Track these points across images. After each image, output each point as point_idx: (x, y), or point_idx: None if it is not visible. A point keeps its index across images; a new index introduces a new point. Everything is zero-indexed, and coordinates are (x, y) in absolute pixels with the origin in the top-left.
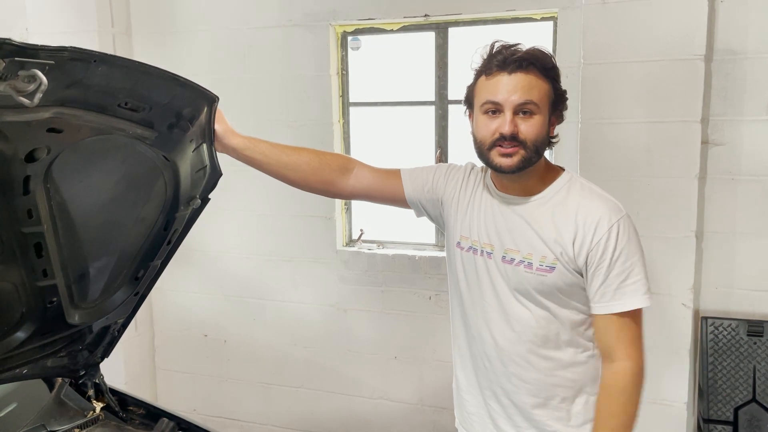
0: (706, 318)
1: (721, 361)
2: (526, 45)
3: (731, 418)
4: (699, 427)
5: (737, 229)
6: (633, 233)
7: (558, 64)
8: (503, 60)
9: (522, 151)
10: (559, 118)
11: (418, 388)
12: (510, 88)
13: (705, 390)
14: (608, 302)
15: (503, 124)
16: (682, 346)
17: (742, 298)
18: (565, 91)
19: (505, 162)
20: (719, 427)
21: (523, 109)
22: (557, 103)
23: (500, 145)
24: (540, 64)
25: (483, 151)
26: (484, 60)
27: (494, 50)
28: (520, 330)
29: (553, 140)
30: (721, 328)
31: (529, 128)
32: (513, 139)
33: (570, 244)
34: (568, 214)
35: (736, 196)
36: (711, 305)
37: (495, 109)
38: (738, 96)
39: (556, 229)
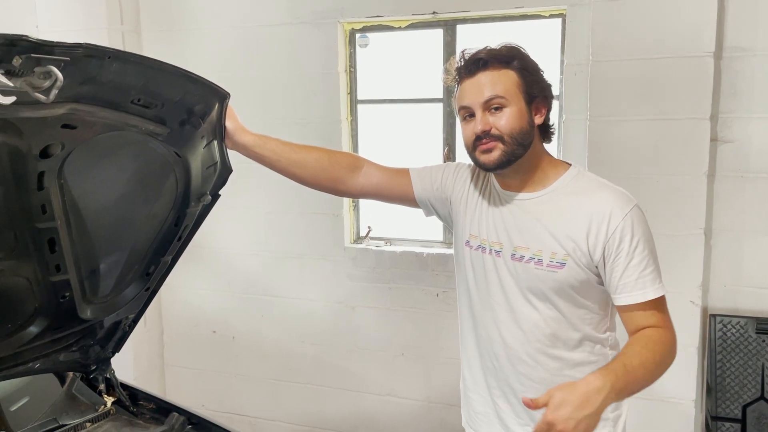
0: (714, 315)
1: (730, 359)
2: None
3: (739, 416)
4: (707, 424)
5: (746, 227)
6: (645, 222)
7: (566, 62)
8: (466, 66)
9: (501, 145)
10: (546, 104)
11: (425, 386)
12: (475, 89)
13: (713, 387)
14: (630, 292)
15: (476, 124)
16: (690, 344)
17: (750, 296)
18: (539, 76)
19: (486, 158)
20: (727, 424)
21: (491, 106)
22: (532, 90)
23: (480, 144)
24: (498, 58)
25: (470, 154)
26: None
27: (458, 59)
28: (528, 329)
29: (551, 129)
30: (729, 326)
31: (502, 121)
32: (487, 135)
33: (584, 239)
34: (578, 208)
35: (744, 194)
36: (719, 303)
37: (469, 114)
38: (747, 93)
39: (567, 224)
